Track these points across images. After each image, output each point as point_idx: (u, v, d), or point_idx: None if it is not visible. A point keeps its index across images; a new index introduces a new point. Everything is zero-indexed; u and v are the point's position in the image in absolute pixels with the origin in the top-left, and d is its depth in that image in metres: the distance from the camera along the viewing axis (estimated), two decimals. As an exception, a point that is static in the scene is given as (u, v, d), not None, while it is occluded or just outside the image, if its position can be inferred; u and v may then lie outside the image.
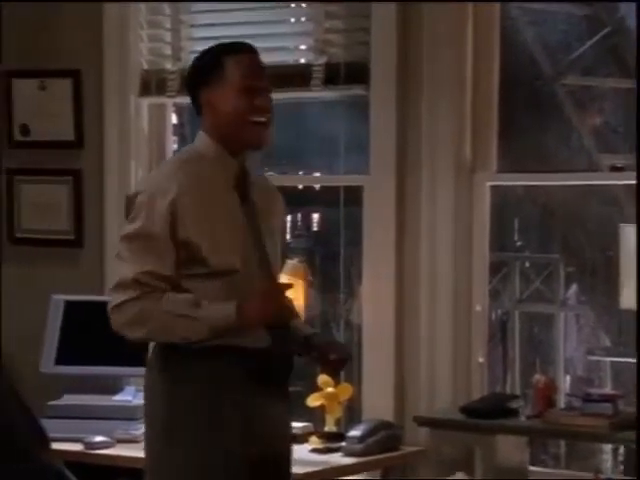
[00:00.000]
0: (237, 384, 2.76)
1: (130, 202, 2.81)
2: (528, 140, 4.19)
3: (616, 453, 4.24)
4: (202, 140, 2.84)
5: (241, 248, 2.77)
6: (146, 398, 2.91)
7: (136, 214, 2.76)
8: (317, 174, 4.50)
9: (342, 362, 2.92)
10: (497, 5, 3.78)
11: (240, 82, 2.78)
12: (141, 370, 3.91)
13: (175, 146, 4.38)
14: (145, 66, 4.21)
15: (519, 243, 4.73)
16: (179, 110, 4.37)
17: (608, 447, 4.23)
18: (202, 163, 2.80)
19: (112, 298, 2.80)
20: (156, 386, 2.84)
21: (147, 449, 2.89)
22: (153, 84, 4.18)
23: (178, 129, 4.41)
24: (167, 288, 2.73)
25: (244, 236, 2.79)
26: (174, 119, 4.35)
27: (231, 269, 2.74)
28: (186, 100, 4.21)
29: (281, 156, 4.58)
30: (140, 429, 3.75)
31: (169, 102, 4.25)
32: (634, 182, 3.42)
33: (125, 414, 3.84)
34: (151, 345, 2.91)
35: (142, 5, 4.19)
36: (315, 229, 4.76)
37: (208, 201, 2.76)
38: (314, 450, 3.63)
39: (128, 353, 3.93)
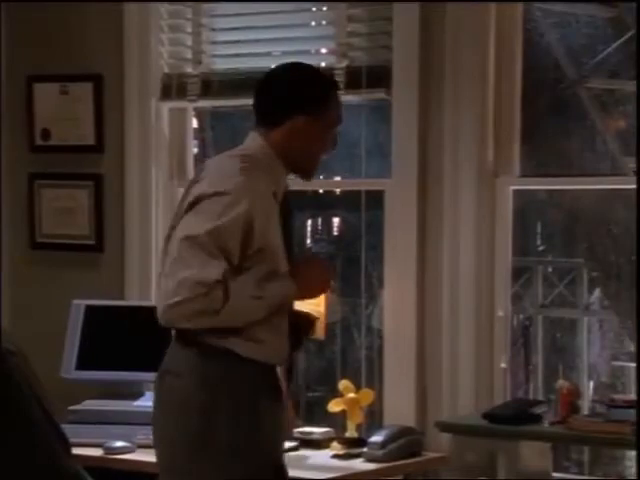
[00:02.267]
0: (270, 396, 2.80)
1: (211, 200, 2.74)
2: (551, 144, 4.18)
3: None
4: (265, 153, 2.84)
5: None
6: (173, 409, 2.85)
7: (213, 214, 2.71)
8: (338, 178, 4.50)
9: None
10: (520, 7, 3.78)
11: (335, 121, 2.87)
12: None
13: (195, 150, 4.39)
14: (166, 70, 4.23)
15: (542, 248, 4.71)
16: (200, 114, 4.38)
17: (632, 454, 4.21)
18: (267, 175, 2.81)
19: (173, 294, 2.69)
20: (193, 398, 2.79)
21: (169, 462, 2.86)
22: (174, 88, 4.19)
23: (199, 133, 4.42)
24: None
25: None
26: (195, 123, 4.36)
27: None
28: (207, 104, 4.30)
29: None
30: (149, 434, 3.76)
31: (190, 106, 4.26)
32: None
33: (146, 419, 3.81)
34: (177, 353, 2.86)
35: (163, 9, 4.21)
36: (336, 233, 4.76)
37: (273, 212, 2.78)
38: (335, 456, 3.63)
39: (149, 358, 3.95)
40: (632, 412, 3.33)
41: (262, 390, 2.77)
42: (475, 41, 3.70)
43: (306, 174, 2.90)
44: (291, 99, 2.84)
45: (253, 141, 2.87)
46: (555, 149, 4.20)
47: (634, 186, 3.49)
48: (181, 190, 4.26)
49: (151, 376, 3.92)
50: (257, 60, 4.10)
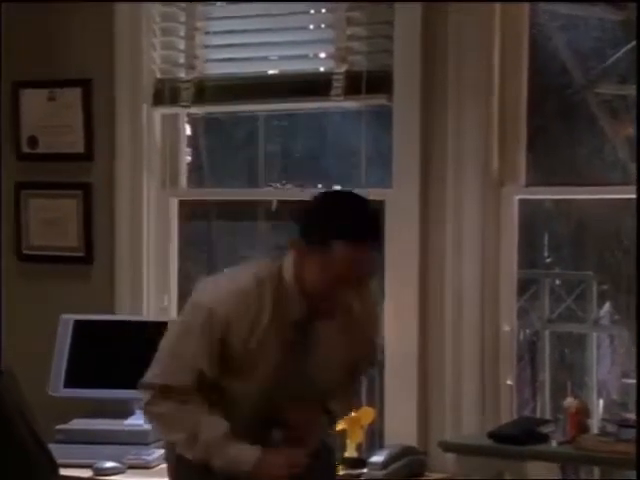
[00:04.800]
0: None
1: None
2: (559, 152, 4.17)
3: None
4: (284, 266, 2.84)
5: (269, 381, 2.85)
6: None
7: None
8: (337, 187, 4.49)
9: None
10: (526, 10, 3.77)
11: (341, 270, 2.74)
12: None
13: (189, 158, 4.38)
14: (158, 75, 4.22)
15: (549, 260, 4.70)
16: (193, 121, 4.37)
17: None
18: (268, 289, 2.82)
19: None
20: None
21: None
22: (166, 94, 4.19)
23: (192, 141, 4.42)
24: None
25: (283, 372, 2.85)
26: (188, 130, 4.35)
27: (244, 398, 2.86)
28: (201, 110, 4.29)
29: (299, 168, 4.58)
30: (152, 454, 3.76)
31: (183, 112, 4.26)
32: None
33: (136, 439, 3.83)
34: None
35: (155, 11, 4.20)
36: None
37: (252, 325, 2.81)
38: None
39: (140, 375, 3.93)
40: (642, 431, 3.33)
41: None
42: (479, 45, 3.70)
43: (320, 312, 2.85)
44: (309, 226, 2.81)
45: (286, 263, 2.88)
46: (562, 157, 4.19)
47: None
48: (173, 200, 4.31)
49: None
50: (253, 65, 4.11)
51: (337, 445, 3.29)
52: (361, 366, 3.09)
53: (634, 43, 3.68)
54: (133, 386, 3.90)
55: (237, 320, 2.79)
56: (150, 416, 2.97)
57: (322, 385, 2.93)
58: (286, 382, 2.85)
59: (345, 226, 2.74)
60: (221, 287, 2.86)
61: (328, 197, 2.90)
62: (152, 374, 2.92)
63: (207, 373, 2.82)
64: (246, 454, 2.81)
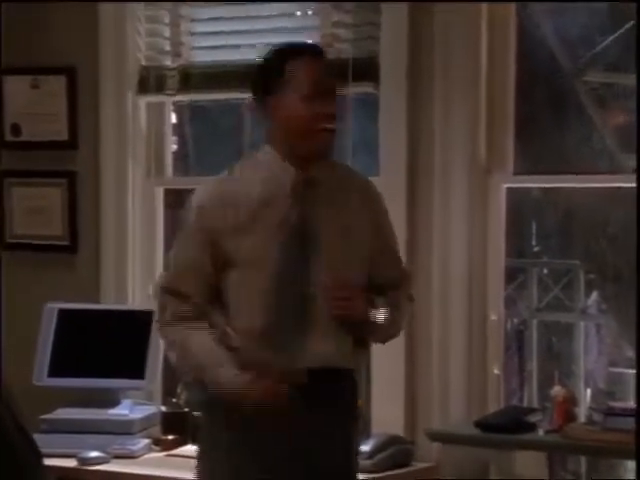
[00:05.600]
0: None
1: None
2: (547, 140, 4.17)
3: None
4: (263, 149, 2.87)
5: (272, 260, 2.79)
6: None
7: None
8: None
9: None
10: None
11: (303, 89, 2.79)
12: (138, 382, 3.93)
13: (175, 146, 4.38)
14: (143, 62, 4.20)
15: (537, 248, 4.71)
16: (179, 109, 4.36)
17: (631, 464, 4.21)
18: (254, 171, 2.84)
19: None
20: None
21: None
22: (152, 81, 4.17)
23: (178, 129, 4.41)
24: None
25: (284, 247, 2.80)
26: (174, 118, 4.34)
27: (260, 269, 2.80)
28: (186, 98, 4.28)
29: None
30: (137, 444, 3.76)
31: (168, 100, 4.24)
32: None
33: (121, 428, 3.83)
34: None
35: (140, -3, 4.19)
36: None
37: (244, 209, 2.79)
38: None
39: (125, 364, 3.93)
40: (631, 420, 3.33)
41: None
42: (466, 32, 3.69)
43: (309, 153, 2.82)
44: (254, 85, 2.88)
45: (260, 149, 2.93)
46: (550, 145, 4.19)
47: (633, 184, 3.49)
48: (159, 189, 4.30)
49: (127, 383, 3.94)
50: (239, 52, 4.09)
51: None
52: (386, 276, 2.94)
53: (622, 30, 3.68)
54: (118, 375, 3.93)
55: (228, 206, 2.79)
56: (162, 336, 2.96)
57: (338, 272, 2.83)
58: (296, 266, 2.80)
59: (291, 51, 2.84)
60: (207, 184, 2.91)
61: (267, 53, 2.93)
62: (159, 282, 2.98)
63: (212, 273, 2.80)
64: (227, 374, 2.78)
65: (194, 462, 2.98)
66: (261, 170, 2.84)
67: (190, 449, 3.79)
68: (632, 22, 3.52)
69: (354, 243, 2.87)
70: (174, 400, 4.00)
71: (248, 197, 2.80)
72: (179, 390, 4.00)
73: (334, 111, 2.82)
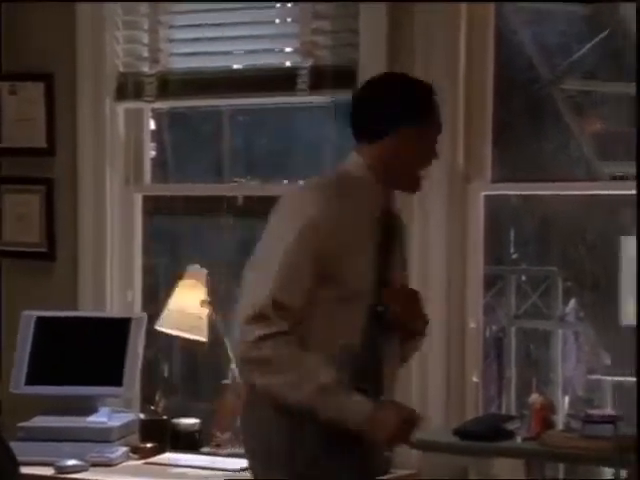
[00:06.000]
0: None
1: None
2: (525, 148, 4.20)
3: (618, 477, 4.23)
4: (359, 168, 2.84)
5: (369, 278, 2.78)
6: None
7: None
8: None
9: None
10: (492, 5, 3.78)
11: (437, 129, 2.84)
12: (116, 390, 3.92)
13: (153, 153, 4.37)
14: (121, 69, 4.20)
15: (515, 255, 4.73)
16: (157, 116, 4.36)
17: (609, 471, 4.23)
18: (353, 190, 2.80)
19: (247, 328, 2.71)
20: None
21: None
22: (130, 88, 4.16)
23: (157, 135, 4.41)
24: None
25: (376, 269, 2.80)
26: (152, 125, 4.34)
27: (358, 291, 2.76)
28: (165, 105, 4.28)
29: (265, 164, 4.58)
30: (115, 452, 3.75)
31: (147, 107, 4.24)
32: (635, 192, 3.43)
33: (99, 436, 3.82)
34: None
35: (118, 4, 4.18)
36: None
37: (351, 229, 2.76)
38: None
39: (103, 372, 3.93)
40: (608, 427, 3.34)
41: None
42: (445, 39, 3.70)
43: (404, 189, 2.88)
44: (395, 110, 2.82)
45: (354, 163, 2.88)
46: (528, 153, 4.22)
47: (610, 192, 3.51)
48: (137, 195, 4.29)
49: (105, 390, 3.93)
50: (218, 59, 4.10)
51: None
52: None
53: (598, 38, 3.70)
54: (96, 383, 3.91)
55: (341, 227, 2.73)
56: (255, 355, 2.68)
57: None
58: (379, 283, 2.80)
59: (429, 107, 2.84)
60: (316, 198, 2.75)
61: (393, 78, 2.92)
62: (262, 294, 2.68)
63: (310, 289, 2.70)
64: (358, 407, 2.69)
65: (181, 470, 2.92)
66: (358, 189, 2.80)
67: (169, 457, 3.79)
68: (608, 30, 3.54)
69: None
70: (152, 407, 4.00)
71: (355, 218, 2.76)
72: (157, 398, 3.99)
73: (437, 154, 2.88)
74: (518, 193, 4.13)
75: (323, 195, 2.77)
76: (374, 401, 2.74)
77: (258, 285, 2.70)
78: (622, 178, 3.65)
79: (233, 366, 3.89)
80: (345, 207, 2.76)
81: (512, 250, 4.69)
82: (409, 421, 2.76)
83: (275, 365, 2.67)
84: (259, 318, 2.67)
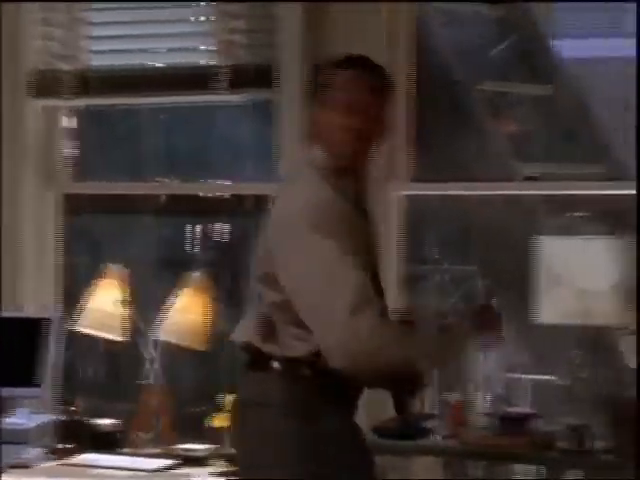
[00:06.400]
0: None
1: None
2: (443, 148, 4.23)
3: (535, 474, 4.29)
4: (314, 155, 2.77)
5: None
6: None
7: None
8: (225, 181, 4.49)
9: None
10: (411, 6, 3.81)
11: (335, 103, 2.69)
12: (33, 391, 3.89)
13: (73, 152, 4.34)
14: (39, 66, 4.16)
15: (437, 255, 4.77)
16: (76, 113, 4.33)
17: (525, 468, 4.28)
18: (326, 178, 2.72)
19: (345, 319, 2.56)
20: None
21: None
22: (47, 85, 4.13)
23: (76, 134, 4.37)
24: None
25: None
26: (72, 123, 4.31)
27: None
28: (83, 103, 4.24)
29: (186, 162, 4.57)
30: (32, 453, 3.72)
31: (64, 105, 4.21)
32: (550, 192, 3.48)
33: (16, 438, 3.78)
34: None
35: (35, 1, 4.14)
36: (222, 240, 4.75)
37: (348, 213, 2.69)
38: (218, 473, 3.62)
39: (21, 373, 3.89)
40: (524, 425, 3.39)
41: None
42: (364, 40, 3.72)
43: (347, 166, 2.73)
44: (311, 87, 2.82)
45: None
46: (447, 153, 4.25)
47: (527, 192, 3.56)
48: (54, 194, 4.25)
49: (22, 391, 3.89)
50: (137, 57, 4.08)
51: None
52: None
53: (511, 40, 3.75)
54: (13, 384, 3.87)
55: (341, 210, 2.65)
56: (375, 343, 2.57)
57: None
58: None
59: (336, 62, 2.75)
60: (308, 191, 2.67)
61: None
62: (347, 292, 2.55)
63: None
64: (459, 332, 2.75)
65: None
66: (328, 178, 2.71)
67: (87, 458, 3.77)
68: (522, 32, 3.59)
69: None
70: (71, 408, 3.97)
71: (342, 203, 2.68)
72: (76, 398, 3.97)
73: (363, 126, 2.70)
74: (436, 193, 4.16)
75: (311, 187, 2.68)
76: None
77: (333, 295, 2.56)
78: (535, 178, 3.70)
79: (156, 366, 3.88)
80: (330, 194, 2.67)
81: (434, 250, 4.72)
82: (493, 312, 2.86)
83: (396, 341, 2.60)
84: (357, 311, 2.55)
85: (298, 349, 2.64)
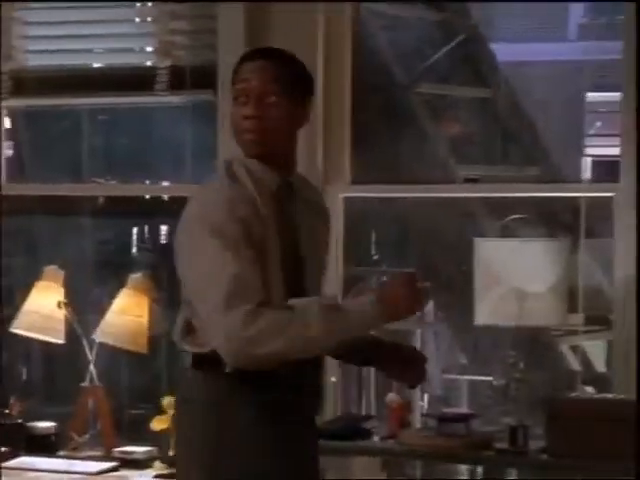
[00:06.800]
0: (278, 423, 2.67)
1: None
2: (383, 150, 4.26)
3: (474, 474, 4.33)
4: (236, 159, 2.73)
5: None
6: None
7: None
8: (165, 183, 4.49)
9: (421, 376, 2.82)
10: (349, 9, 3.83)
11: (233, 94, 2.68)
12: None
13: (10, 152, 4.31)
14: (-26, 66, 4.13)
15: (376, 257, 4.79)
16: (13, 114, 4.29)
17: (463, 468, 4.32)
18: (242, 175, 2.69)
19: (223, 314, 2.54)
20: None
21: None
22: (-17, 85, 4.10)
23: (12, 134, 4.34)
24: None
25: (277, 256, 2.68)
26: (7, 123, 4.27)
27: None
28: (20, 103, 4.21)
29: (124, 163, 4.55)
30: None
31: (1, 105, 4.17)
32: (489, 195, 3.52)
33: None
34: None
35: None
36: (163, 242, 4.74)
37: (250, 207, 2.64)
38: (158, 476, 3.61)
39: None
40: (462, 425, 3.42)
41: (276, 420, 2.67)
42: (302, 42, 3.72)
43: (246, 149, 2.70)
44: None
45: None
46: (387, 155, 4.28)
47: (465, 194, 3.59)
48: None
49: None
50: (76, 57, 4.06)
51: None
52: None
53: (453, 43, 3.78)
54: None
55: (240, 208, 2.62)
56: (249, 333, 2.52)
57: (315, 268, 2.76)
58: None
59: (241, 58, 2.73)
60: (209, 191, 2.67)
61: None
62: (222, 283, 2.54)
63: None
64: (361, 301, 2.54)
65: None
66: (248, 174, 2.68)
67: (23, 461, 3.74)
68: (461, 36, 3.63)
69: (321, 250, 2.82)
70: (7, 411, 3.94)
71: (249, 198, 2.64)
72: (12, 401, 3.94)
73: (254, 113, 2.65)
74: (376, 195, 4.19)
75: (212, 187, 2.69)
76: None
77: (210, 294, 2.55)
78: (475, 181, 3.74)
79: (92, 368, 3.86)
80: (235, 191, 2.65)
81: (373, 251, 4.75)
82: (413, 282, 2.59)
83: (274, 328, 2.53)
84: (230, 307, 2.53)
85: (205, 346, 2.66)
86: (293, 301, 2.59)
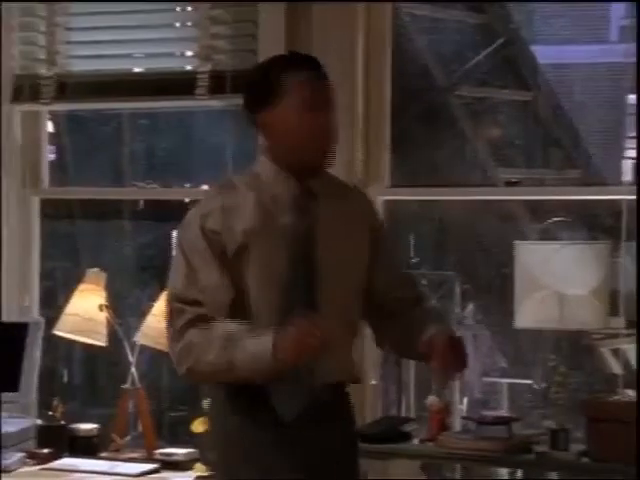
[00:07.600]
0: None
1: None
2: (422, 153, 4.26)
3: (514, 477, 4.33)
4: (260, 162, 2.79)
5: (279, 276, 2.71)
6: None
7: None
8: (205, 187, 4.51)
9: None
10: (389, 12, 3.85)
11: (300, 103, 2.70)
12: (13, 395, 3.89)
13: (52, 156, 4.35)
14: (17, 71, 4.16)
15: (415, 260, 4.80)
16: (56, 118, 4.34)
17: (502, 471, 4.32)
18: (252, 183, 2.76)
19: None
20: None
21: None
22: (26, 90, 4.13)
23: (55, 138, 4.38)
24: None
25: (290, 262, 2.72)
26: (50, 128, 4.32)
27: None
28: (63, 108, 4.26)
29: (165, 167, 4.59)
30: (11, 458, 3.72)
31: (44, 109, 4.21)
32: (530, 197, 3.52)
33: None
34: None
35: (14, 5, 4.15)
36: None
37: (247, 225, 2.70)
38: (199, 477, 3.63)
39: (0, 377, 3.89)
40: (502, 428, 3.42)
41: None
42: (343, 45, 3.75)
43: (306, 166, 2.75)
44: (247, 98, 2.81)
45: (256, 162, 2.84)
46: (426, 159, 4.28)
47: (505, 197, 3.59)
48: (35, 199, 4.27)
49: (2, 396, 3.89)
50: (117, 62, 4.09)
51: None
52: (396, 296, 2.83)
53: (493, 47, 3.79)
54: (-7, 388, 3.87)
55: (230, 218, 2.69)
56: (178, 347, 2.68)
57: (340, 284, 2.74)
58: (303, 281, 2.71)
59: (287, 63, 2.77)
60: (206, 197, 2.77)
61: (261, 64, 2.89)
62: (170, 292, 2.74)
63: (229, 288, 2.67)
64: (262, 343, 2.58)
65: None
66: (259, 181, 2.75)
67: (66, 462, 3.77)
68: (501, 39, 3.63)
69: (353, 255, 2.79)
70: (50, 413, 3.98)
71: (248, 209, 2.71)
72: (55, 403, 3.98)
73: (331, 124, 2.75)
74: (415, 198, 4.20)
75: (212, 193, 2.79)
76: None
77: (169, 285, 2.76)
78: (515, 184, 3.74)
79: (134, 370, 3.89)
80: (236, 200, 2.72)
81: (412, 254, 4.76)
82: (311, 331, 2.56)
83: (197, 345, 2.65)
84: (171, 314, 2.71)
85: None
86: (220, 323, 2.66)
